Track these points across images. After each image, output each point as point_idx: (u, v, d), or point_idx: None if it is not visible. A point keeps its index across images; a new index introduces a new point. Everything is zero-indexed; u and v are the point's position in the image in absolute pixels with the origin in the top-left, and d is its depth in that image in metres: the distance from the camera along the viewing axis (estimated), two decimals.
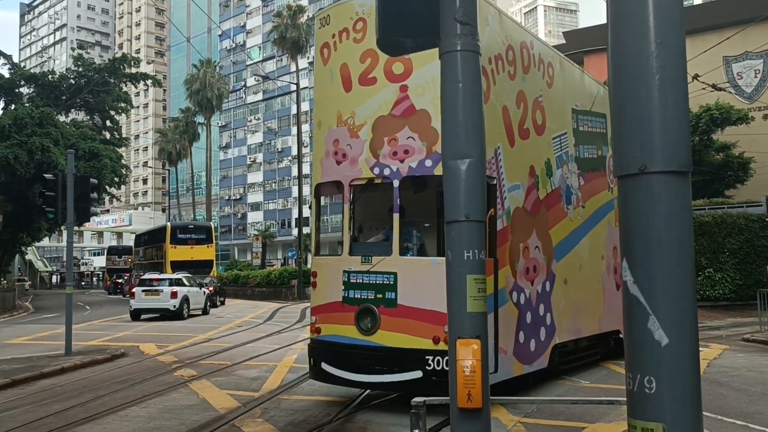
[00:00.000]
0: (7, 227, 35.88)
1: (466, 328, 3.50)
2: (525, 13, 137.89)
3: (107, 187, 38.01)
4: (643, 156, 2.09)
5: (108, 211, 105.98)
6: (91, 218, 16.52)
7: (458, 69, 3.60)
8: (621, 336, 10.93)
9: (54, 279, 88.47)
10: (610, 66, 2.23)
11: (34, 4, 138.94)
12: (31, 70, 51.87)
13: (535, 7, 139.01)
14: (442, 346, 7.28)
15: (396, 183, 7.78)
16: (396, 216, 7.78)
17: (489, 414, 3.47)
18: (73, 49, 64.77)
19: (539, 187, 9.45)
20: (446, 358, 6.43)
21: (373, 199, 9.10)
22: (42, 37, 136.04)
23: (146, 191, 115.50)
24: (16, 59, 53.43)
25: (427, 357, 7.40)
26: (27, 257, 71.39)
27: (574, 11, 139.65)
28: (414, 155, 7.69)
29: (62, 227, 34.36)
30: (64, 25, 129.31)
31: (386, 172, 7.84)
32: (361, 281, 7.90)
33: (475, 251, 3.55)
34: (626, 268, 2.13)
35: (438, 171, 7.01)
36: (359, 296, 7.86)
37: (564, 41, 47.87)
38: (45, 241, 64.19)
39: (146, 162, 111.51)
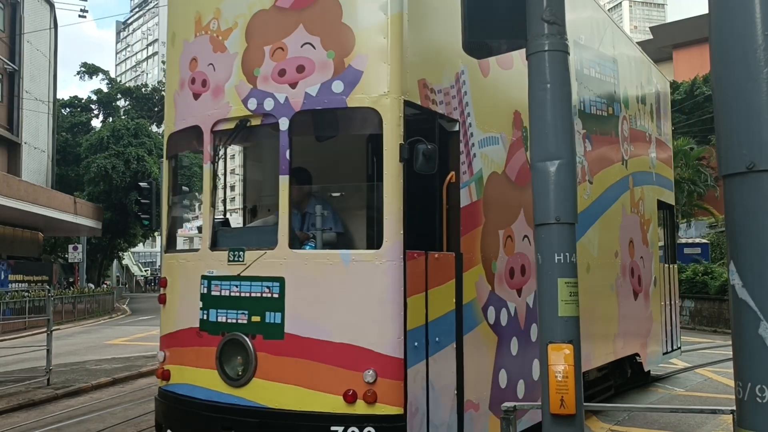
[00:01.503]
0: (106, 233, 37.95)
1: (557, 332, 3.43)
2: (609, 10, 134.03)
3: (197, 194, 39.51)
4: (751, 153, 2.00)
5: (197, 217, 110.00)
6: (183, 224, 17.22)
7: (546, 70, 3.55)
8: (640, 360, 9.05)
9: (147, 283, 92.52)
10: (712, 60, 2.14)
11: (129, 21, 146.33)
12: (127, 84, 54.75)
13: (620, 3, 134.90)
14: (361, 408, 4.37)
15: (284, 123, 4.71)
16: (284, 181, 4.70)
17: (583, 420, 3.40)
18: (163, 62, 67.74)
19: (528, 144, 6.07)
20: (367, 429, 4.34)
21: (263, 153, 6.50)
22: (136, 53, 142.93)
23: (233, 197, 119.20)
24: (112, 75, 56.48)
25: (334, 429, 4.40)
26: (124, 262, 75.13)
27: (662, 5, 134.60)
28: (314, 74, 4.66)
29: (156, 233, 36.05)
30: (156, 40, 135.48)
31: (268, 105, 4.77)
32: (227, 294, 4.86)
33: (566, 254, 3.48)
34: (734, 271, 2.04)
35: (358, 101, 4.57)
36: (224, 319, 4.84)
37: (651, 36, 46.26)
38: (139, 247, 67.34)
39: (233, 169, 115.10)
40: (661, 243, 10.80)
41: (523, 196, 5.97)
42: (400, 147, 4.50)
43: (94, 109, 46.27)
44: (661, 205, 10.33)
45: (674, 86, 36.36)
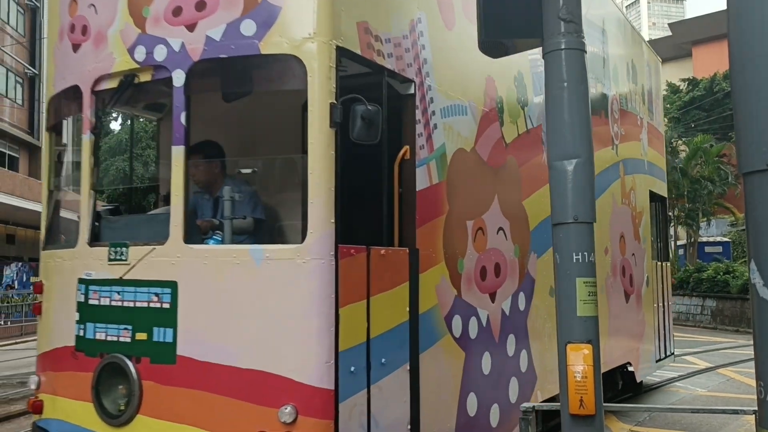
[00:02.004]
0: None
1: (576, 332, 3.41)
2: (627, 6, 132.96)
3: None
4: None
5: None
6: None
7: (563, 68, 3.53)
8: (631, 369, 8.03)
9: None
10: (731, 57, 2.12)
11: None
12: None
13: (637, 0, 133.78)
14: None
15: (179, 77, 3.72)
16: (178, 153, 3.71)
17: (602, 421, 3.37)
18: None
19: (504, 119, 5.37)
20: None
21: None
22: None
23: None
24: None
25: None
26: None
27: (680, 0, 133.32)
28: (217, 12, 3.70)
29: None
30: None
31: (159, 54, 3.79)
32: (107, 302, 3.85)
33: (584, 253, 3.46)
34: (754, 270, 2.01)
35: (274, 46, 3.61)
36: (103, 336, 3.83)
37: (670, 33, 45.88)
38: None
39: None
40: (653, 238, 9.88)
41: (497, 180, 5.11)
42: (331, 108, 3.50)
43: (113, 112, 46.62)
44: (653, 196, 9.38)
45: (694, 83, 36.06)
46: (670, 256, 11.37)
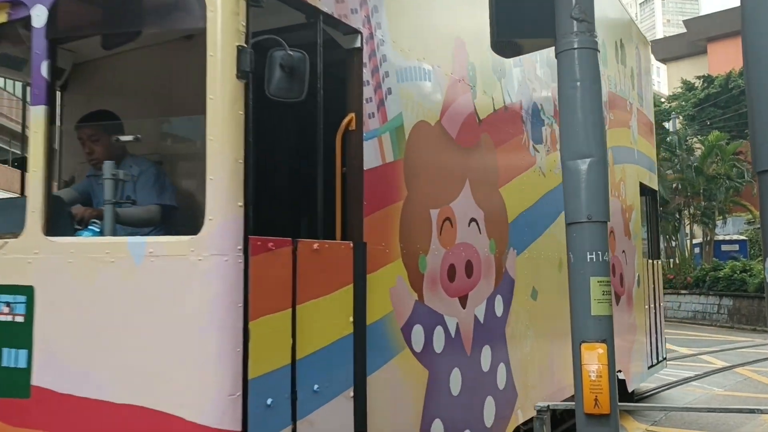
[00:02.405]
0: None
1: (590, 331, 3.42)
2: (641, 4, 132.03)
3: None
4: None
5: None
6: None
7: (576, 67, 3.53)
8: (622, 377, 7.04)
9: None
10: (745, 55, 2.12)
11: None
12: None
13: None
14: None
15: (39, 16, 2.88)
16: (38, 115, 2.89)
17: (618, 420, 3.37)
18: None
19: (477, 90, 4.62)
20: None
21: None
22: None
23: None
24: None
25: None
26: None
27: None
28: None
29: None
30: None
31: None
32: None
33: (598, 253, 3.47)
34: None
35: None
36: None
37: (685, 30, 45.53)
38: None
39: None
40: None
41: (469, 161, 4.29)
42: (239, 52, 2.73)
43: None
44: (644, 189, 8.65)
45: (709, 80, 35.73)
46: (662, 253, 10.80)
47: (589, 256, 3.45)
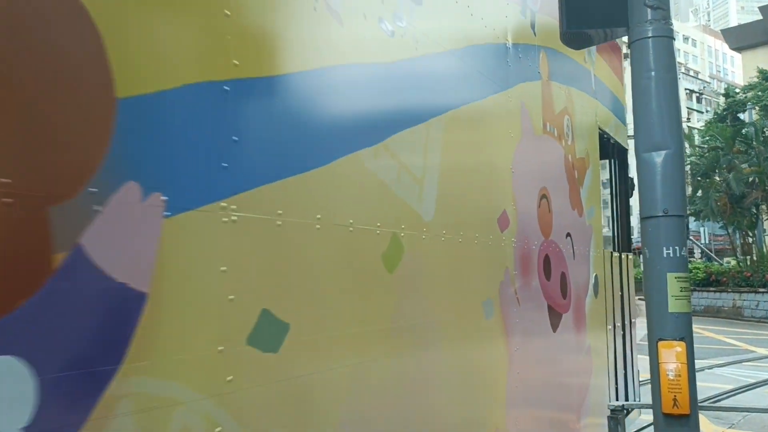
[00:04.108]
0: None
1: (668, 329, 3.32)
2: None
3: None
4: None
5: None
6: None
7: (650, 57, 3.44)
8: None
9: None
10: None
11: None
12: None
13: None
14: None
15: None
16: None
17: (698, 421, 3.26)
18: None
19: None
20: None
21: None
22: None
23: None
24: None
25: None
26: None
27: None
28: None
29: None
30: None
31: None
32: None
33: (676, 247, 3.36)
34: None
35: None
36: None
37: (761, 17, 43.66)
38: None
39: None
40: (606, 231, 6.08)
41: None
42: None
43: None
44: (606, 145, 6.00)
45: None
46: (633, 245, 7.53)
47: (665, 251, 3.35)
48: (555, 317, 4.34)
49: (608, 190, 6.41)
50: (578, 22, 3.58)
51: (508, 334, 3.83)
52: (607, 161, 6.19)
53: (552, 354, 4.31)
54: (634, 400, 6.17)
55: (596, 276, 5.29)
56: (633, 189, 6.14)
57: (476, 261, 3.64)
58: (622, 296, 5.92)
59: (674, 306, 3.31)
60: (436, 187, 3.33)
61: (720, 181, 27.33)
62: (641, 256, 3.48)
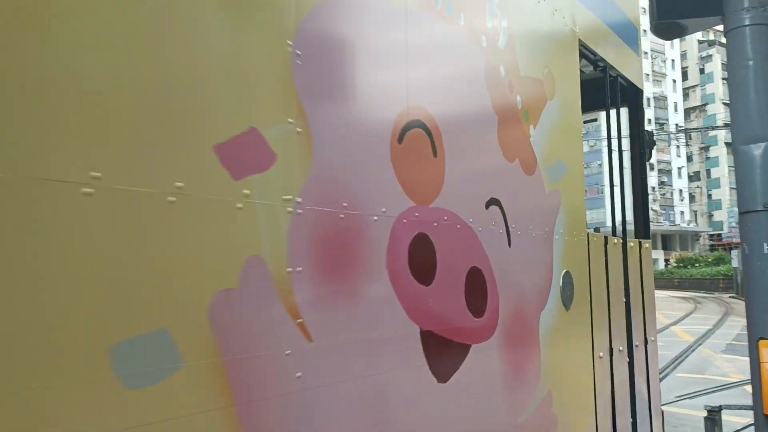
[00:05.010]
0: None
1: None
2: None
3: None
4: None
5: None
6: None
7: (747, 46, 3.32)
8: None
9: None
10: None
11: None
12: None
13: None
14: None
15: None
16: None
17: None
18: None
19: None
20: None
21: None
22: None
23: None
24: None
25: None
26: None
27: None
28: None
29: None
30: None
31: None
32: None
33: None
34: None
35: None
36: None
37: None
38: None
39: None
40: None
41: None
42: None
43: None
44: (603, 80, 4.32)
45: None
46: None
47: (766, 247, 3.22)
48: (448, 355, 2.45)
49: (615, 151, 4.45)
50: (670, 12, 3.50)
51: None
52: (610, 106, 4.36)
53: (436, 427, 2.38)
54: None
55: (567, 274, 3.45)
56: (651, 148, 4.82)
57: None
58: (629, 304, 4.14)
59: None
60: None
61: None
62: (735, 251, 3.34)
